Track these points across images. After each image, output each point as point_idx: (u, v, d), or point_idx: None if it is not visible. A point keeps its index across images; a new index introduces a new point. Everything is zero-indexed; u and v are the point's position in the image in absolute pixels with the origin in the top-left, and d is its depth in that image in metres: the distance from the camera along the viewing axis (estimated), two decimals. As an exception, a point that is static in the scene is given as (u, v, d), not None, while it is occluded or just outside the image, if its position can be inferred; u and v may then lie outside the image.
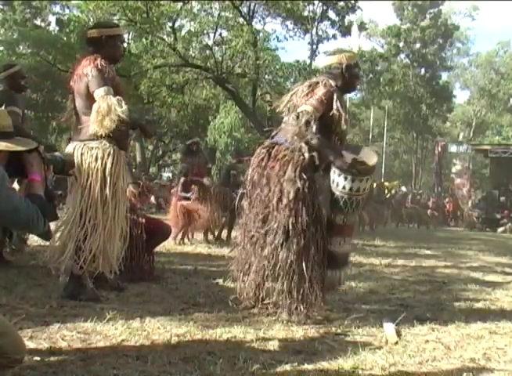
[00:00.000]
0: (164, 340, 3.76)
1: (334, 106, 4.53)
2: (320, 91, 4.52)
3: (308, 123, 4.35)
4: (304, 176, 4.37)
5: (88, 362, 3.19)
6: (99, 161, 4.69)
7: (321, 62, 4.64)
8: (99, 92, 4.61)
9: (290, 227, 4.34)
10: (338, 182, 4.43)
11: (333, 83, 4.63)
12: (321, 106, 4.47)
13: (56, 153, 3.18)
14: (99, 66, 4.71)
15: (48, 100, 26.93)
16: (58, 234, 4.71)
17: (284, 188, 4.37)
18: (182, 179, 10.63)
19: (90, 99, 4.70)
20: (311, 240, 4.38)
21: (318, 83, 4.60)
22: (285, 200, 4.35)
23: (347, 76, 4.72)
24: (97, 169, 4.67)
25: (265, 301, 4.67)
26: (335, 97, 4.55)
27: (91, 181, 4.66)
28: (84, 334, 3.75)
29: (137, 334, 3.83)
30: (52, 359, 3.22)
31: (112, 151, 4.74)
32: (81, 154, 4.70)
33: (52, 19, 31.00)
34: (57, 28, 25.65)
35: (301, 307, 4.40)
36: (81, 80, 4.76)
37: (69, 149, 4.80)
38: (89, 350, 3.44)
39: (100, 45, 4.87)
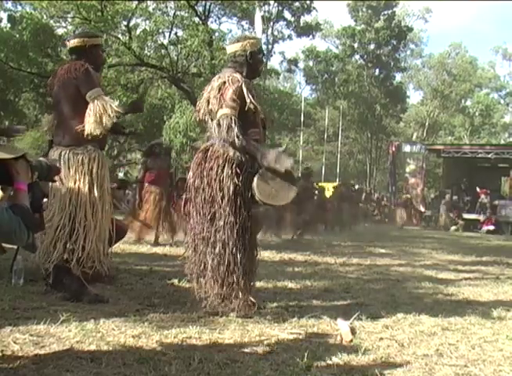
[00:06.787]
0: (118, 341, 3.72)
1: (247, 100, 4.66)
2: (230, 90, 4.65)
3: (230, 127, 4.52)
4: (240, 172, 4.56)
5: (41, 365, 3.14)
6: (86, 166, 4.87)
7: (227, 49, 4.84)
8: (91, 94, 4.80)
9: (233, 221, 4.54)
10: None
11: (238, 75, 4.75)
12: (236, 104, 4.62)
13: (41, 159, 3.06)
14: (89, 69, 4.91)
15: (1, 99, 26.34)
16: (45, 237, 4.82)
17: (224, 185, 4.55)
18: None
19: (78, 103, 4.86)
20: (249, 232, 4.63)
21: (225, 83, 4.70)
22: (226, 197, 4.54)
23: (251, 62, 4.89)
24: (84, 173, 4.85)
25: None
26: (245, 90, 4.67)
27: (79, 185, 4.84)
28: (37, 337, 3.68)
29: (91, 335, 3.79)
30: (3, 363, 3.16)
31: (97, 155, 4.94)
32: (68, 160, 4.87)
33: (3, 15, 30.30)
34: (9, 25, 25.10)
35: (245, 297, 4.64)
36: (68, 84, 4.93)
37: (54, 154, 4.94)
38: (42, 353, 3.38)
39: (84, 53, 5.07)
